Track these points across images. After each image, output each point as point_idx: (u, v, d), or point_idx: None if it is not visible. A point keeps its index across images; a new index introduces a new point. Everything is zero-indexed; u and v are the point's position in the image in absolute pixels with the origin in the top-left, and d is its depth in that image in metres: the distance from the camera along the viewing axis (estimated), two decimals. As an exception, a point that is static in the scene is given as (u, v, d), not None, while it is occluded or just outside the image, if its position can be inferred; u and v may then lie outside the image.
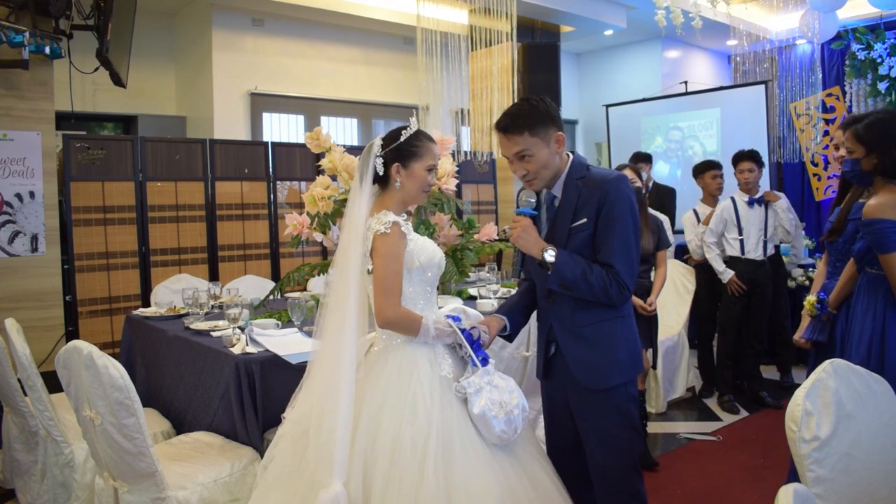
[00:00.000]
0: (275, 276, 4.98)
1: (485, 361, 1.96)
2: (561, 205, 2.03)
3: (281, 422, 1.99)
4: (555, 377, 2.14)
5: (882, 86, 7.44)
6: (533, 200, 2.07)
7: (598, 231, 1.96)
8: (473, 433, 1.89)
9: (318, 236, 3.14)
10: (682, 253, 5.61)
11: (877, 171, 2.28)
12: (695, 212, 4.76)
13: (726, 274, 4.32)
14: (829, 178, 7.86)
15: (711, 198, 4.70)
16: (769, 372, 4.89)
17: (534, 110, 1.97)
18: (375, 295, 1.93)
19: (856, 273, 2.43)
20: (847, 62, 7.76)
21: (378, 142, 2.02)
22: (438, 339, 1.96)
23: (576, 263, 1.94)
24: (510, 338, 2.21)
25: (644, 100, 7.88)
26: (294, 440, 1.91)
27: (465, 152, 6.37)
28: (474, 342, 1.99)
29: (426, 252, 1.99)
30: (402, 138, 2.00)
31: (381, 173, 1.99)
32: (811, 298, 2.60)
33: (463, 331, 1.99)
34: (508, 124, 1.98)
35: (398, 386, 1.90)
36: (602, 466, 2.04)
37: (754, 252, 4.30)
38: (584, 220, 1.97)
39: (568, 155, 2.06)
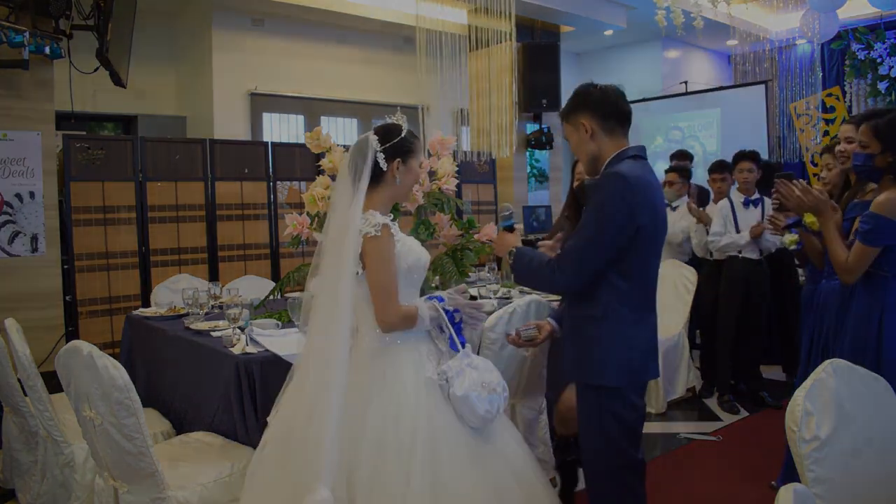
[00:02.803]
0: (275, 276, 4.97)
1: (462, 344, 1.99)
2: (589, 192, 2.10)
3: (267, 425, 1.96)
4: None
5: (882, 86, 7.45)
6: (507, 213, 2.19)
7: None
8: (460, 434, 1.88)
9: (318, 236, 3.12)
10: None
11: (888, 169, 2.28)
12: None
13: (744, 236, 4.24)
14: (829, 178, 7.85)
15: (719, 195, 4.68)
16: (772, 372, 4.89)
17: (571, 98, 2.04)
18: (376, 300, 1.91)
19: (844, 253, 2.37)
20: (847, 62, 7.76)
21: (374, 137, 1.99)
22: (432, 322, 1.98)
23: (525, 258, 2.05)
24: None
25: (644, 100, 7.88)
26: (280, 445, 1.88)
27: (465, 152, 6.37)
28: (456, 324, 2.01)
29: (413, 254, 1.99)
30: (403, 134, 2.01)
31: (384, 169, 1.98)
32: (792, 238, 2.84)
33: (447, 311, 2.00)
34: (560, 113, 2.10)
35: (381, 391, 1.89)
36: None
37: (751, 252, 4.30)
38: (585, 208, 2.03)
39: (620, 145, 1.99)
